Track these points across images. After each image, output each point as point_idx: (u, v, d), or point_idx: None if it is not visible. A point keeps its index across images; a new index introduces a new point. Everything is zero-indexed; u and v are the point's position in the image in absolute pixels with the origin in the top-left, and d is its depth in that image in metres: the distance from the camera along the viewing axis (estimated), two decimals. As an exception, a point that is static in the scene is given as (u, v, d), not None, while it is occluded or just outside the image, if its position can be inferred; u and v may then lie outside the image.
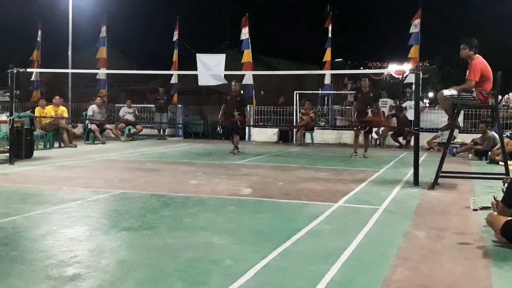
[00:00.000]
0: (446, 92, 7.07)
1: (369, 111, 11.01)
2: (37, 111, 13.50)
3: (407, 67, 14.42)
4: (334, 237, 4.29)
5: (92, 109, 15.48)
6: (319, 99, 20.78)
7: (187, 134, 18.65)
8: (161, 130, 17.42)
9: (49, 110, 13.60)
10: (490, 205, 5.07)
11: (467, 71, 6.88)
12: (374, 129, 15.32)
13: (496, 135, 10.48)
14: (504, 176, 6.44)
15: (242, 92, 12.74)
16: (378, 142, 15.55)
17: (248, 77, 15.31)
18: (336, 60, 23.95)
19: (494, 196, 4.94)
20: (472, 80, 6.76)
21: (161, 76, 22.40)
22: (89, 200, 5.84)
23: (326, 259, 3.63)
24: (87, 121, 15.32)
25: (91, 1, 20.70)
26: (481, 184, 7.25)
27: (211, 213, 5.23)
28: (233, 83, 12.33)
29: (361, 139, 11.62)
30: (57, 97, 14.32)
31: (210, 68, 16.99)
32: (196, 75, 18.36)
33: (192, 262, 3.56)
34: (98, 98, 16.10)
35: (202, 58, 17.34)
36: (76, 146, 13.31)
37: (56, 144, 13.23)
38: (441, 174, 6.99)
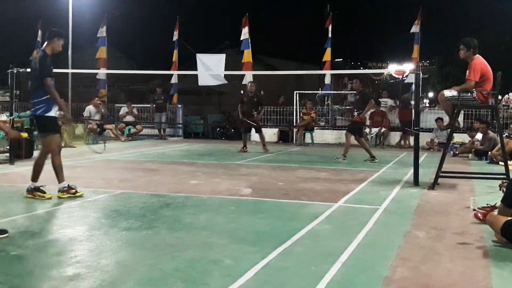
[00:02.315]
0: (447, 93, 7.08)
1: (355, 114, 10.79)
2: (37, 111, 13.46)
3: (407, 67, 14.41)
4: (334, 237, 4.29)
5: (89, 110, 15.47)
6: (318, 99, 20.78)
7: (187, 134, 18.65)
8: (161, 130, 17.44)
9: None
10: (487, 205, 5.08)
11: (467, 71, 6.88)
12: (375, 129, 15.39)
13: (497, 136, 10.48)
14: (502, 181, 6.44)
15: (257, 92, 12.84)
16: (378, 142, 15.54)
17: (248, 77, 15.30)
18: (336, 60, 23.95)
19: (475, 213, 5.03)
20: (472, 80, 6.76)
21: (161, 76, 22.42)
22: (89, 200, 5.84)
23: (326, 259, 3.63)
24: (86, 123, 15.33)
25: (91, 1, 20.72)
26: (481, 184, 7.26)
27: (211, 213, 5.23)
28: (249, 84, 12.36)
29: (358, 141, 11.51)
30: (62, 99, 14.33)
31: (210, 68, 16.99)
32: (196, 75, 18.36)
33: (192, 262, 3.55)
34: (96, 98, 16.09)
35: (202, 58, 17.35)
36: (75, 146, 13.32)
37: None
38: (441, 174, 6.99)
